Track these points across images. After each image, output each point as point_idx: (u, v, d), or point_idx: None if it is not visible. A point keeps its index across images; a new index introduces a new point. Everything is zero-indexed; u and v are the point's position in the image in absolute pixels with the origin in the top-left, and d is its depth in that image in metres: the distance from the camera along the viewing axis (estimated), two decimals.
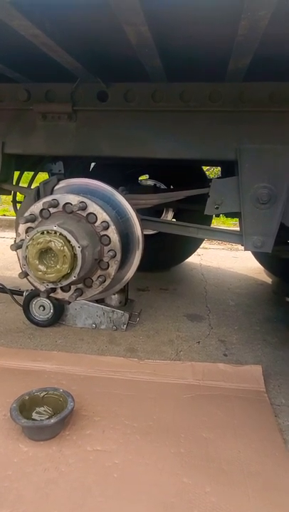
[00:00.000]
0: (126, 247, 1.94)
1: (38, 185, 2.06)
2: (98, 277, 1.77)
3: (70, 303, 2.20)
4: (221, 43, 1.48)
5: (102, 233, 1.74)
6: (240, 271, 4.49)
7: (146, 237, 3.56)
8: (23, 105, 2.14)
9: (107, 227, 1.73)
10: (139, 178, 4.35)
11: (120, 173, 3.78)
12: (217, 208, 2.10)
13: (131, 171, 3.88)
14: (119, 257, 1.77)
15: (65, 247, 1.54)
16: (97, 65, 1.86)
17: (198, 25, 1.36)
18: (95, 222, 1.74)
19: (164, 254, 4.12)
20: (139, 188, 3.60)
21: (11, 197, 2.95)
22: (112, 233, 1.74)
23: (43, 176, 3.44)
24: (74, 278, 1.61)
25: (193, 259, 4.74)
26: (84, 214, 1.74)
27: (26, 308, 2.72)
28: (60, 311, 2.69)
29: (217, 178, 2.59)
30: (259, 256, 4.18)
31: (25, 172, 2.98)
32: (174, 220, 4.29)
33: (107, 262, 1.77)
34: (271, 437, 1.70)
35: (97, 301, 2.70)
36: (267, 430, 1.75)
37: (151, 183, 4.05)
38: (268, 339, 2.70)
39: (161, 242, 3.90)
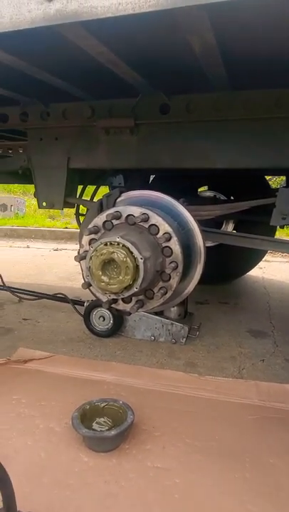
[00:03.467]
0: (187, 259, 1.90)
1: (101, 197, 2.12)
2: (160, 289, 1.75)
3: (130, 314, 2.21)
4: (282, 45, 1.42)
5: (164, 245, 1.73)
6: None
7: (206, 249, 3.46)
8: (87, 122, 2.23)
9: (169, 239, 1.72)
10: (198, 190, 4.32)
11: (179, 184, 3.77)
12: (284, 218, 2.00)
13: (190, 182, 3.85)
14: (180, 268, 1.74)
15: (127, 259, 1.55)
16: (160, 78, 1.88)
17: (266, 30, 1.31)
18: (157, 233, 1.74)
19: (225, 267, 4.01)
20: (199, 199, 3.55)
21: (73, 210, 3.06)
22: (174, 245, 1.73)
23: (105, 190, 3.54)
24: (136, 289, 1.60)
25: (254, 272, 4.56)
26: (146, 225, 1.74)
27: (87, 318, 2.78)
28: (119, 322, 2.71)
29: (284, 187, 2.47)
30: None
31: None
32: (234, 231, 4.18)
33: (169, 274, 1.75)
34: None
35: (156, 314, 2.68)
36: None
37: (210, 194, 3.99)
38: None
39: (222, 255, 3.80)
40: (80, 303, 2.97)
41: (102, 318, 2.75)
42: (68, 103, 2.26)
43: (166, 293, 1.76)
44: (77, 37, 1.29)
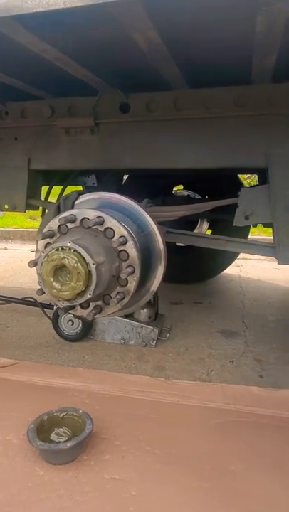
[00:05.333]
0: (147, 262, 1.85)
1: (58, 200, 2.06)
2: (117, 294, 1.70)
3: (90, 320, 2.15)
4: (241, 44, 1.38)
5: (120, 248, 1.67)
6: (283, 283, 4.23)
7: (180, 248, 3.43)
8: (47, 121, 2.16)
9: (124, 243, 1.67)
10: (175, 189, 4.28)
11: (153, 184, 3.72)
12: (247, 218, 1.97)
13: (164, 182, 3.80)
14: (138, 273, 1.69)
15: (79, 264, 1.50)
16: (116, 77, 1.83)
17: (212, 27, 1.27)
18: (113, 237, 1.68)
19: (200, 266, 3.99)
20: (172, 198, 3.51)
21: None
22: (130, 248, 1.67)
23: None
24: (89, 296, 1.55)
25: (231, 270, 4.54)
26: (101, 229, 1.69)
27: (55, 322, 2.72)
28: (88, 325, 2.66)
29: (253, 186, 2.45)
30: None
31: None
32: (209, 230, 4.15)
33: (126, 279, 1.70)
34: None
35: (126, 316, 2.64)
36: None
37: (185, 193, 3.96)
38: None
39: (197, 253, 3.76)
40: (50, 306, 2.90)
41: (70, 322, 2.69)
42: (27, 102, 2.18)
43: (123, 298, 1.71)
44: (14, 33, 1.22)
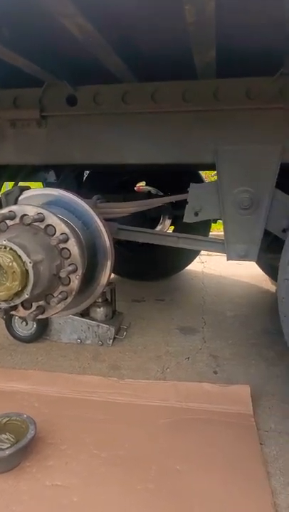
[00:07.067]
0: (93, 259, 1.80)
1: None
2: (59, 294, 1.64)
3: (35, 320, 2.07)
4: (179, 37, 1.34)
5: (62, 246, 1.61)
6: (244, 278, 4.28)
7: (141, 245, 3.39)
8: None
9: (66, 240, 1.60)
10: (138, 185, 4.23)
11: (114, 180, 3.66)
12: (196, 214, 1.95)
13: (125, 178, 3.75)
14: (80, 271, 1.64)
15: (14, 263, 1.43)
16: (61, 67, 1.76)
17: (146, 18, 1.22)
18: (54, 234, 1.62)
19: (162, 263, 3.97)
20: (132, 196, 3.46)
21: None
22: (72, 246, 1.61)
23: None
24: (27, 296, 1.48)
25: (195, 266, 4.57)
26: (42, 226, 1.62)
27: (9, 323, 2.62)
28: (43, 326, 2.57)
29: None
30: (262, 263, 3.97)
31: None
32: (172, 227, 4.14)
33: (68, 277, 1.64)
34: (253, 471, 1.52)
35: (82, 315, 2.58)
36: (249, 462, 1.56)
37: (146, 189, 3.92)
38: (263, 354, 2.51)
39: (158, 250, 3.73)
40: None
41: (24, 323, 2.59)
42: None
43: (66, 297, 1.65)
44: None
